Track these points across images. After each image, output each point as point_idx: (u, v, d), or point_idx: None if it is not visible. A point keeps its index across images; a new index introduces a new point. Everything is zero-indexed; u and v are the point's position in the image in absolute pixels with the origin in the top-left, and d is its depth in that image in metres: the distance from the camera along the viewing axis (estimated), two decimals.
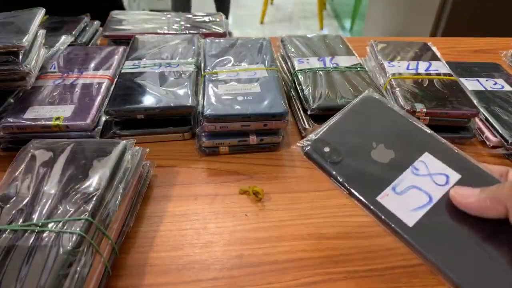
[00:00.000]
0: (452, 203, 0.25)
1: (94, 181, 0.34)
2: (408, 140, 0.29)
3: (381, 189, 0.26)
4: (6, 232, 0.30)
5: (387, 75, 0.56)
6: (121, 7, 0.98)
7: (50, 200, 0.32)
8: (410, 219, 0.25)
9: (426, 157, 0.28)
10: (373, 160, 0.28)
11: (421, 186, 0.26)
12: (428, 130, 0.29)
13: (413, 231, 0.25)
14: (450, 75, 0.56)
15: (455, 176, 0.27)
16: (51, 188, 0.34)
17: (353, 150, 0.28)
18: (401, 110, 0.30)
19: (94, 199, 0.33)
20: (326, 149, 0.28)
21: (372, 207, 0.26)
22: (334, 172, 0.27)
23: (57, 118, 0.46)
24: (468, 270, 0.23)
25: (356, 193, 0.26)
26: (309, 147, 0.28)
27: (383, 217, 0.25)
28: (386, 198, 0.26)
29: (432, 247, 0.24)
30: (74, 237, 0.30)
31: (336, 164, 0.27)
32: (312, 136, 0.29)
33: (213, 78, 0.52)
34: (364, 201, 0.26)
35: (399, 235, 0.25)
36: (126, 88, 0.51)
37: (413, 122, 0.30)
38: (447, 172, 0.27)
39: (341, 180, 0.27)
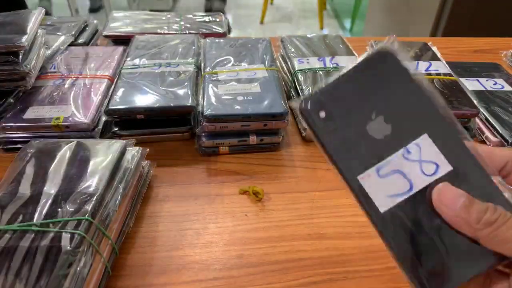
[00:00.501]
0: (430, 197, 0.24)
1: (94, 181, 0.34)
2: (412, 116, 0.25)
3: (365, 168, 0.25)
4: (6, 232, 0.30)
5: None
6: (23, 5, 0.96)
7: (50, 200, 0.32)
8: (384, 204, 0.24)
9: (424, 140, 0.25)
10: (367, 134, 0.25)
11: (406, 172, 0.25)
12: (441, 108, 0.25)
13: (382, 216, 0.24)
14: (450, 75, 0.56)
15: (446, 168, 0.24)
16: (51, 188, 0.34)
17: (350, 120, 0.26)
18: (419, 76, 0.26)
19: (94, 199, 0.33)
20: (322, 114, 0.26)
21: (350, 184, 0.25)
22: (324, 142, 0.26)
23: (57, 118, 0.46)
24: (420, 262, 0.23)
25: (340, 167, 0.25)
26: (305, 106, 0.26)
27: (358, 196, 0.25)
28: (367, 179, 0.25)
29: (395, 236, 0.24)
30: (74, 237, 0.30)
31: (328, 132, 0.25)
32: (313, 93, 0.26)
33: (213, 78, 0.52)
34: (345, 177, 0.25)
35: (369, 217, 0.24)
36: (126, 88, 0.51)
37: (427, 93, 0.25)
38: (439, 162, 0.25)
39: (328, 151, 0.25)
